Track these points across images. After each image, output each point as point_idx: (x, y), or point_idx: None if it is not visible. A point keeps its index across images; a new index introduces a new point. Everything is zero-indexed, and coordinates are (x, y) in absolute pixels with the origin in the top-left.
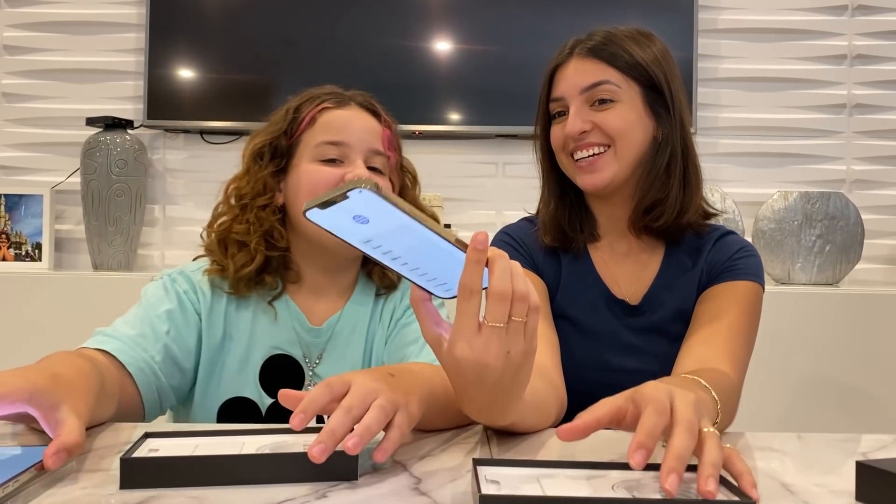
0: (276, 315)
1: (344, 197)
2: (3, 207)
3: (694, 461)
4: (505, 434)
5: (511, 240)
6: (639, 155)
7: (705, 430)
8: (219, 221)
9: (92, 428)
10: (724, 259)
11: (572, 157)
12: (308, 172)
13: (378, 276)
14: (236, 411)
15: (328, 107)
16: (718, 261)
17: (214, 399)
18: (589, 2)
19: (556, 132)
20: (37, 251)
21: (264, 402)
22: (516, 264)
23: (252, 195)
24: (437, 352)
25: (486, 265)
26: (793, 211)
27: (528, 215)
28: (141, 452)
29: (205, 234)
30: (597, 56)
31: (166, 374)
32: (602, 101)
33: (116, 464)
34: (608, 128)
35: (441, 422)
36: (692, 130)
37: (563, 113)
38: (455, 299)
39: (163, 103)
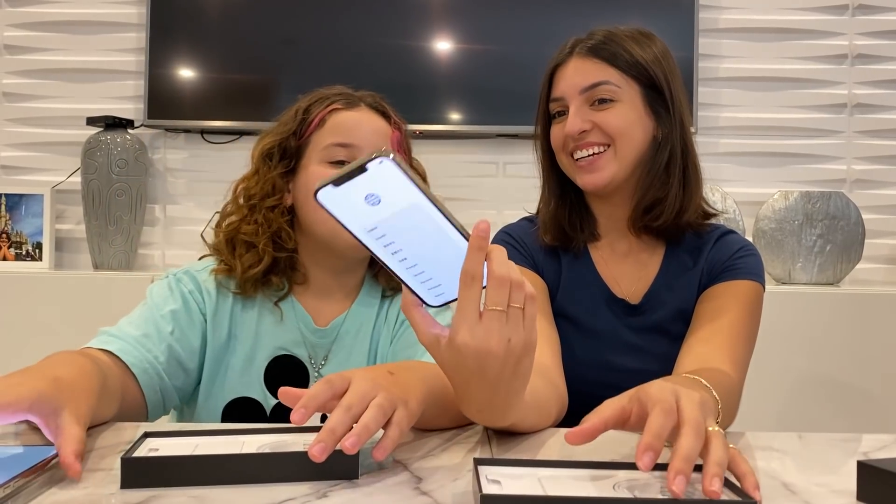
0: (282, 316)
1: (362, 170)
2: (3, 207)
3: (698, 461)
4: (505, 433)
5: (511, 239)
6: (639, 154)
7: (710, 429)
8: (227, 221)
9: (93, 427)
10: (724, 258)
11: (572, 156)
12: (317, 174)
13: (384, 278)
14: (241, 411)
15: (338, 108)
16: (719, 260)
17: (219, 399)
18: (589, 2)
19: (556, 132)
20: (37, 251)
21: (269, 402)
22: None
23: (261, 196)
24: (435, 352)
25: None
26: (793, 211)
27: (528, 215)
28: (141, 452)
29: (207, 235)
30: (597, 56)
31: (170, 375)
32: (602, 101)
33: (117, 463)
34: (608, 127)
35: (442, 421)
36: (693, 130)
37: (563, 112)
38: (442, 308)
39: (163, 103)
